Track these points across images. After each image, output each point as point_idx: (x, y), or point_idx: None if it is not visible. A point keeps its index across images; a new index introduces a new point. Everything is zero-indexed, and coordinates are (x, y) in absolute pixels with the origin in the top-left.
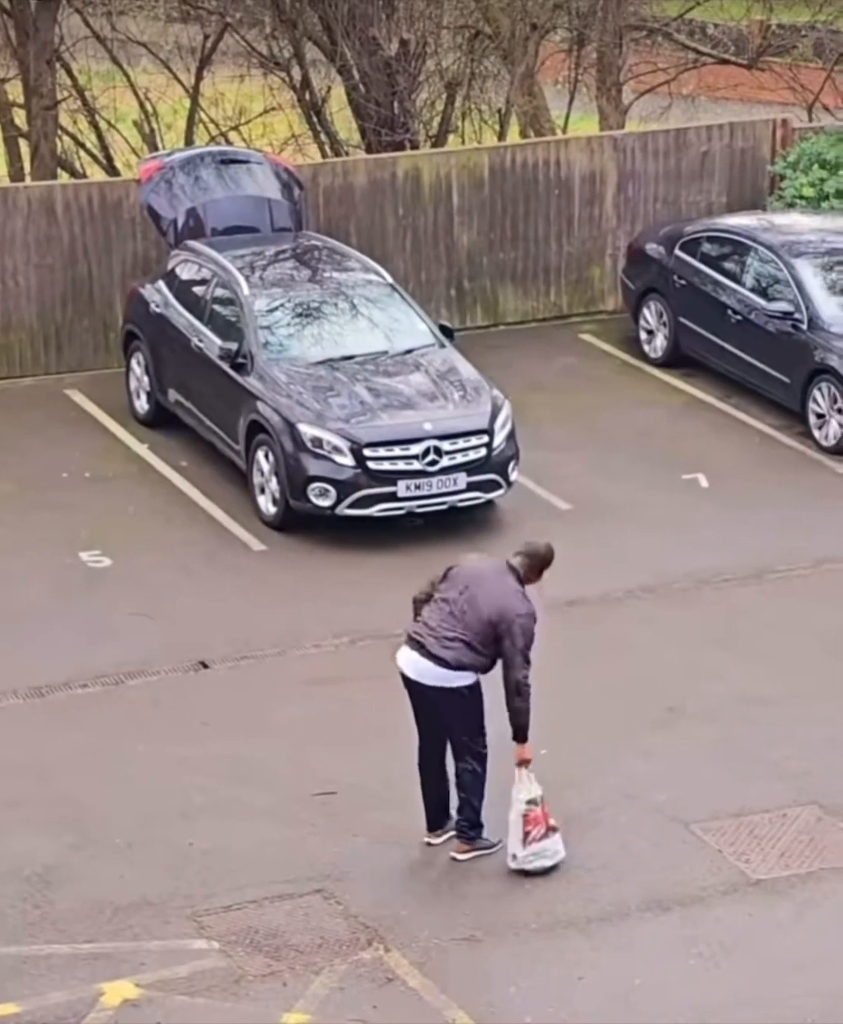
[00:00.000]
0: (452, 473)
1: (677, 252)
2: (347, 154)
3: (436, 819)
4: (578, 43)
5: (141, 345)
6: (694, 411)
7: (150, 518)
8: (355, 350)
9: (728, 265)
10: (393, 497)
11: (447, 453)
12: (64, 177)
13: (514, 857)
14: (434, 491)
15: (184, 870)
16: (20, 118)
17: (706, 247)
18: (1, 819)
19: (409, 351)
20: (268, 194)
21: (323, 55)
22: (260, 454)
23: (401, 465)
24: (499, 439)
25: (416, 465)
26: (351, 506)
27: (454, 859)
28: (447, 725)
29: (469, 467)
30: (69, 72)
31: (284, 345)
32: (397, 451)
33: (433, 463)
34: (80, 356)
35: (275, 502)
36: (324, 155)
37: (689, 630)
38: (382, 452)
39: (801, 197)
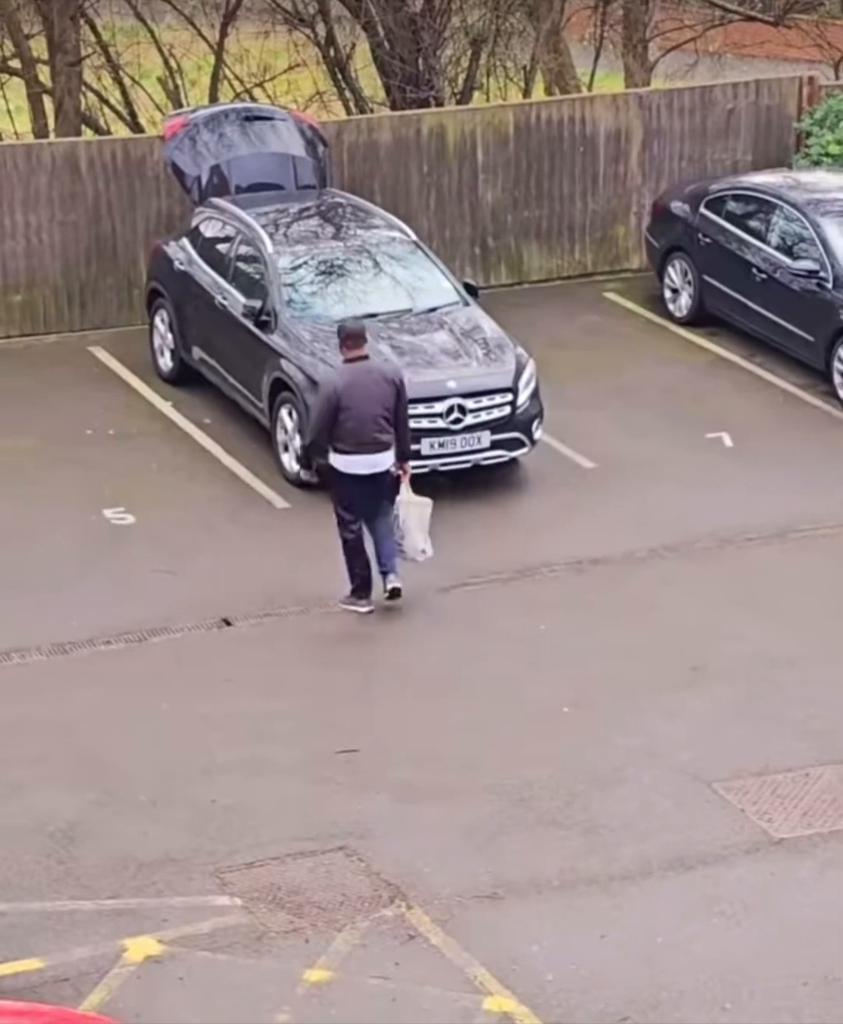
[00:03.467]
0: (476, 431)
1: (702, 210)
2: (372, 111)
3: (388, 566)
4: (604, 0)
5: (165, 303)
6: (718, 370)
7: (173, 475)
8: (379, 308)
9: (753, 223)
10: (417, 455)
11: (471, 411)
12: (88, 134)
13: (423, 552)
14: (458, 449)
15: (207, 827)
16: (44, 75)
17: (731, 205)
18: (25, 775)
19: (433, 309)
20: (292, 151)
21: (348, 11)
22: (284, 412)
23: (425, 423)
24: (523, 397)
25: (440, 423)
26: None
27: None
28: (382, 499)
29: (493, 425)
30: (93, 28)
31: (308, 303)
32: (421, 409)
33: (457, 421)
34: (104, 313)
35: (298, 460)
36: (349, 112)
37: (712, 589)
38: None
39: (827, 155)
